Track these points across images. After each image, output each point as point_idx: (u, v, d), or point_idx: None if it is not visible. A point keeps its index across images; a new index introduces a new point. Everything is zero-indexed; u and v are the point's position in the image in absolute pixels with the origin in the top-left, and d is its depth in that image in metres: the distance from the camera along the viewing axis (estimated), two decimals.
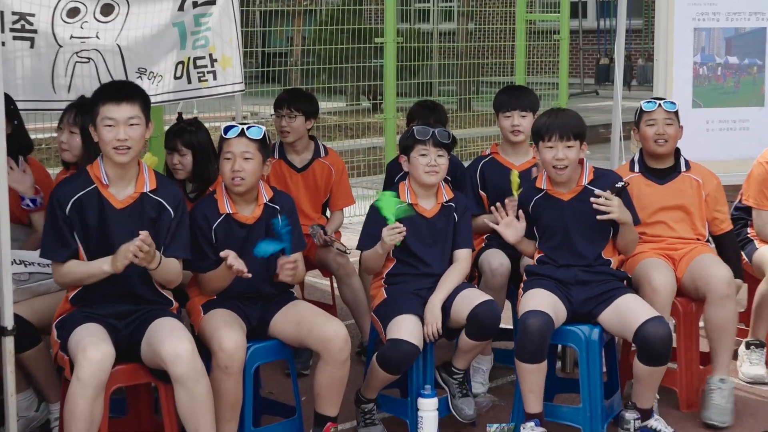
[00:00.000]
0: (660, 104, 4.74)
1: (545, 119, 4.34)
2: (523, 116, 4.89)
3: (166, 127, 6.07)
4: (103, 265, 3.72)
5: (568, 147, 4.27)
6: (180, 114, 4.89)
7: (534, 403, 4.16)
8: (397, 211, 4.24)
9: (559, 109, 4.42)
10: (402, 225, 4.20)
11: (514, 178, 4.69)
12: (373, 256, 4.34)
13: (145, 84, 4.48)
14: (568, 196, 4.38)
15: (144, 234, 3.65)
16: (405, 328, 4.14)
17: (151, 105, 3.94)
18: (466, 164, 5.18)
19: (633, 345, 4.24)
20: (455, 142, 4.46)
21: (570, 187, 4.38)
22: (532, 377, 4.13)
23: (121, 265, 3.68)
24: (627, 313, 4.19)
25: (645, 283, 4.45)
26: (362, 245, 4.41)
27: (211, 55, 4.78)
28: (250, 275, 3.88)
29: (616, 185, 4.28)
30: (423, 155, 4.35)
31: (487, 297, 4.24)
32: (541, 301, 4.20)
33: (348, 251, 5.11)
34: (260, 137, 4.09)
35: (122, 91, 3.82)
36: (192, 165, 4.62)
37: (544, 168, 4.37)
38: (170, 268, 3.85)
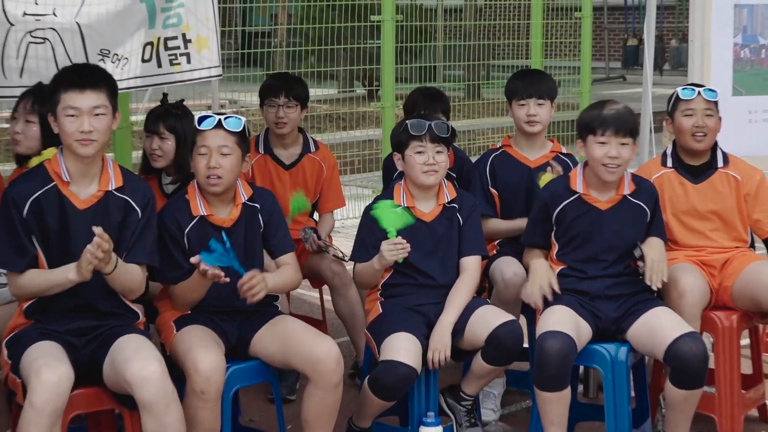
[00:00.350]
0: (700, 92, 4.73)
1: (598, 111, 4.33)
2: (540, 104, 4.89)
3: (133, 117, 6.05)
4: (68, 273, 3.70)
5: (623, 144, 4.28)
6: (165, 95, 4.91)
7: None
8: (398, 222, 4.21)
9: (612, 101, 4.40)
10: (404, 241, 4.17)
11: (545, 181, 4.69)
12: (369, 270, 4.33)
13: (108, 68, 4.47)
14: (606, 204, 4.37)
15: (99, 230, 3.62)
16: (401, 348, 4.14)
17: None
18: (474, 159, 5.18)
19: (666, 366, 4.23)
20: (455, 136, 4.45)
21: (609, 195, 4.37)
22: (553, 407, 4.13)
23: (87, 272, 3.66)
24: (657, 328, 4.19)
25: (671, 287, 4.46)
26: (356, 257, 4.39)
27: (184, 35, 4.78)
28: (228, 279, 3.88)
29: (636, 255, 4.31)
30: (419, 153, 4.34)
31: (508, 316, 4.24)
32: (561, 319, 4.19)
33: (346, 258, 5.11)
34: (239, 129, 4.09)
35: (87, 76, 3.82)
36: (174, 153, 4.62)
37: (593, 166, 4.33)
38: (129, 275, 3.84)
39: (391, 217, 4.24)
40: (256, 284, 3.93)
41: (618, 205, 4.37)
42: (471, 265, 4.42)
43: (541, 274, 4.36)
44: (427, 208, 4.42)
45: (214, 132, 4.06)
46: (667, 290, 4.48)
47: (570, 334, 4.11)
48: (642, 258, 4.31)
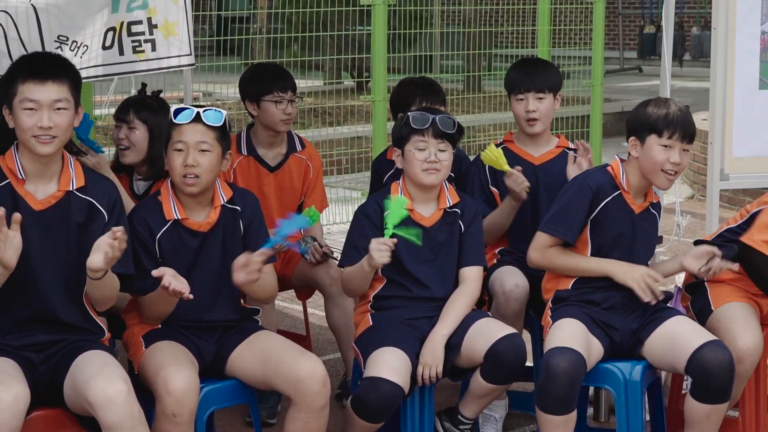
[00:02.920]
0: None
1: (666, 110, 4.29)
2: (540, 99, 4.89)
3: (97, 111, 6.04)
4: None
5: (685, 151, 4.30)
6: (144, 85, 4.93)
7: None
8: (395, 217, 4.19)
9: (673, 100, 4.37)
10: (393, 242, 4.16)
11: (490, 156, 4.72)
12: (359, 273, 4.34)
13: (66, 56, 4.47)
14: (639, 208, 4.41)
15: (120, 228, 3.65)
16: (386, 364, 4.16)
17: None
18: (473, 158, 5.20)
19: (684, 384, 4.25)
20: (462, 133, 4.47)
21: (641, 200, 4.42)
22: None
23: (8, 257, 3.62)
24: (677, 338, 4.22)
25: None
26: (346, 259, 4.41)
27: (150, 19, 4.78)
28: (191, 296, 3.89)
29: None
30: (420, 149, 4.36)
31: (509, 329, 4.27)
32: (570, 335, 4.21)
33: None
34: (220, 124, 4.11)
35: (48, 66, 3.83)
36: (146, 148, 4.64)
37: (648, 170, 4.31)
38: (112, 283, 3.87)
39: (396, 213, 4.21)
40: (252, 264, 3.94)
41: (645, 213, 4.42)
42: (471, 276, 4.45)
43: (631, 269, 4.32)
44: (427, 212, 4.45)
45: (192, 126, 4.08)
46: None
47: (579, 350, 4.14)
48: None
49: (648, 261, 4.47)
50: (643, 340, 4.31)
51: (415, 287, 4.41)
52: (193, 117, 4.08)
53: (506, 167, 4.73)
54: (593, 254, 4.40)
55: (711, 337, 4.19)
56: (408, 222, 4.32)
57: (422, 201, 4.45)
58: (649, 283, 4.28)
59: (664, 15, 5.80)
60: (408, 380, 4.19)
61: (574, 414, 4.15)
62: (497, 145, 4.95)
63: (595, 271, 4.38)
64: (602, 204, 4.37)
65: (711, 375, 4.11)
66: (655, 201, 4.45)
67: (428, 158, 4.35)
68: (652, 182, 4.35)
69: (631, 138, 4.37)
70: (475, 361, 4.27)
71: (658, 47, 16.35)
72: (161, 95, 4.90)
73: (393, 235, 4.17)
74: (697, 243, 4.61)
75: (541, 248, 4.43)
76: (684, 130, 4.28)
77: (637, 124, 4.35)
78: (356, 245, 4.36)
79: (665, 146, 4.28)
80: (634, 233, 4.39)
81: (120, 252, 3.68)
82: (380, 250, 4.15)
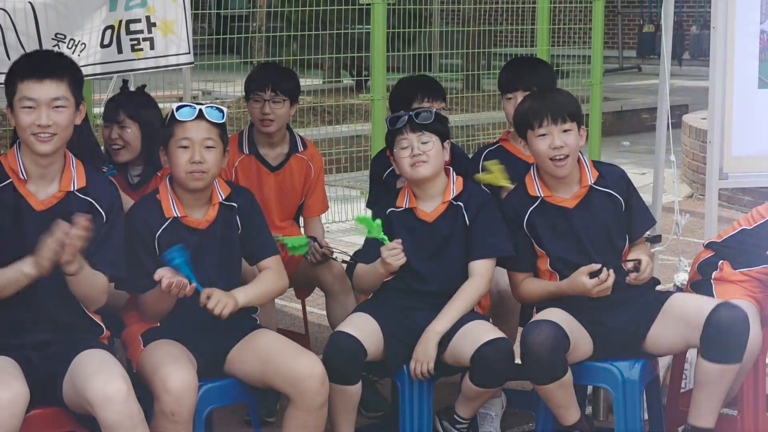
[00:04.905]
0: None
1: (530, 102, 4.36)
2: None
3: (96, 109, 6.04)
4: (24, 267, 3.71)
5: (565, 131, 4.28)
6: (125, 82, 4.92)
7: (570, 413, 4.23)
8: (377, 229, 4.29)
9: (547, 89, 4.44)
10: (399, 246, 4.25)
11: (494, 171, 4.71)
12: (372, 273, 4.40)
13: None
14: (573, 201, 4.38)
15: (85, 217, 3.65)
16: (350, 323, 4.26)
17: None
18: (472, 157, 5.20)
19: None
20: (445, 123, 4.47)
21: (573, 190, 4.39)
22: (558, 394, 4.19)
23: (48, 263, 3.67)
24: (687, 310, 4.25)
25: None
26: (364, 258, 4.45)
27: (148, 17, 4.79)
28: (195, 285, 3.91)
29: (629, 268, 4.27)
30: (403, 147, 4.38)
31: (497, 334, 4.26)
32: (549, 314, 4.23)
33: (349, 255, 5.13)
34: (222, 120, 4.13)
35: (46, 64, 3.84)
36: (140, 144, 4.64)
37: (541, 164, 4.34)
38: (93, 282, 3.87)
39: (372, 228, 4.32)
40: (215, 305, 3.98)
41: (586, 198, 4.38)
42: (478, 270, 4.42)
43: (573, 283, 4.28)
44: (430, 207, 4.45)
45: (197, 123, 4.10)
46: None
47: (557, 322, 4.13)
48: (636, 268, 4.27)
49: (619, 233, 4.38)
50: (645, 332, 4.31)
51: (417, 283, 4.42)
52: (196, 114, 4.09)
53: (505, 183, 4.69)
54: (552, 263, 4.38)
55: (721, 300, 4.24)
56: (411, 220, 4.40)
57: (426, 197, 4.46)
58: (595, 284, 4.22)
59: (663, 14, 5.79)
60: (374, 345, 4.24)
61: (567, 376, 4.16)
62: (492, 144, 4.96)
63: (557, 294, 4.36)
64: (526, 217, 4.39)
65: (727, 332, 4.12)
66: (594, 180, 4.35)
67: (411, 153, 4.36)
68: (549, 173, 4.34)
69: (521, 141, 4.41)
70: (462, 363, 4.28)
71: (657, 46, 16.33)
72: (145, 89, 4.90)
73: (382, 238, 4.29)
74: (708, 246, 4.62)
75: (515, 285, 4.49)
76: (553, 113, 4.28)
77: (517, 125, 4.40)
78: (371, 243, 4.40)
79: (542, 135, 4.29)
80: (574, 229, 4.35)
81: (79, 240, 3.67)
82: (393, 254, 4.24)
